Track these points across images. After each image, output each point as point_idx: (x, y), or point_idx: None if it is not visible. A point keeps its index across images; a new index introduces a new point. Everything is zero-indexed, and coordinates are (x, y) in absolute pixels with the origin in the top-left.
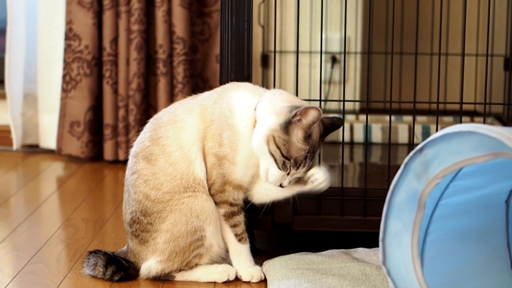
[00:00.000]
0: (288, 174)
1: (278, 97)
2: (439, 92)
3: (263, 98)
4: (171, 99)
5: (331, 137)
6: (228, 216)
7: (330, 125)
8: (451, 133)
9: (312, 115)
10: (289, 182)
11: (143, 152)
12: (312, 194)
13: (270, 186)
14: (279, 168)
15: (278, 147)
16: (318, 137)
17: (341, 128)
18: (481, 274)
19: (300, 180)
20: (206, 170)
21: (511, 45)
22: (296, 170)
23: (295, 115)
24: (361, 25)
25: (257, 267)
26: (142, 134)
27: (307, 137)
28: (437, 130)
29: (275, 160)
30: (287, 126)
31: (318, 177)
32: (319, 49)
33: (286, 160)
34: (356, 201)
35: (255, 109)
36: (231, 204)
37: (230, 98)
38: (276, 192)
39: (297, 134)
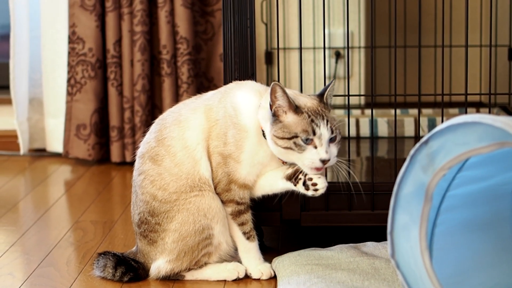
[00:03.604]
0: (316, 147)
1: (268, 103)
2: (443, 84)
3: (260, 106)
4: (176, 99)
5: None
6: (235, 214)
7: (323, 90)
8: (456, 124)
9: (277, 91)
10: (327, 152)
11: (149, 153)
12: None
13: (262, 182)
14: (300, 151)
15: (282, 137)
16: (315, 104)
17: (347, 123)
18: (489, 264)
19: (293, 178)
20: (212, 170)
21: None
22: (314, 135)
23: (270, 106)
24: (364, 20)
25: (267, 264)
26: (148, 135)
27: (296, 110)
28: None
29: (291, 148)
30: (276, 119)
31: (318, 183)
32: (322, 45)
33: (295, 138)
34: (364, 195)
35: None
36: (238, 203)
37: (234, 97)
38: (268, 188)
39: (287, 116)
